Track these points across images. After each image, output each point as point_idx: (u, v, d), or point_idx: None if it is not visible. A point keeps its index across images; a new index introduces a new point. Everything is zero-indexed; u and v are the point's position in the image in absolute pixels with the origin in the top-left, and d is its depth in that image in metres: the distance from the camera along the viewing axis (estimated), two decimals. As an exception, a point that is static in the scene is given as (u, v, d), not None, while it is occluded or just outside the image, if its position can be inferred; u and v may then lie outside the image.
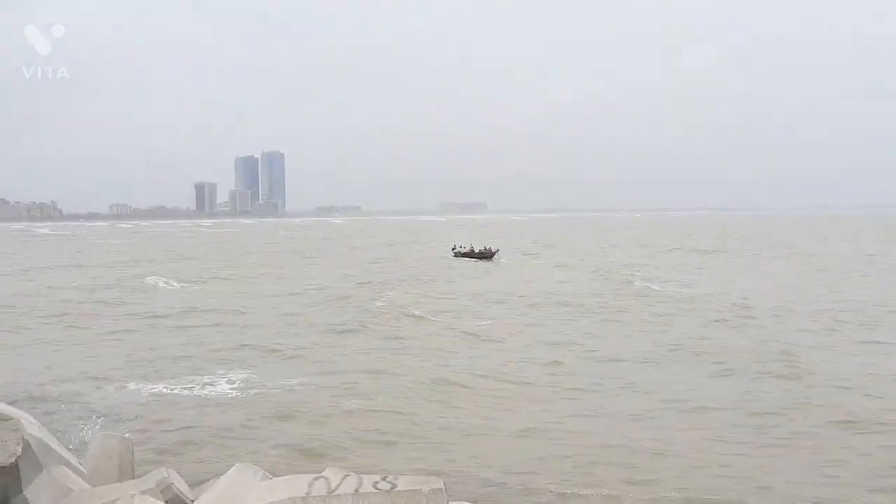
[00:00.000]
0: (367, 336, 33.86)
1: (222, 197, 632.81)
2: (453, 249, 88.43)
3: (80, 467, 9.55)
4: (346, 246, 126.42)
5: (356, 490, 7.24)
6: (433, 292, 51.50)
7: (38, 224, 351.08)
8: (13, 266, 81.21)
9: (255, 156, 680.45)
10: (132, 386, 24.57)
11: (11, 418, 7.74)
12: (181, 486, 9.59)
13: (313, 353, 30.01)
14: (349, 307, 42.54)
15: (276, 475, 9.25)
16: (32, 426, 8.60)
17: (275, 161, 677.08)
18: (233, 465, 9.26)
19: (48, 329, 37.19)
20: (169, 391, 23.92)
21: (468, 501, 9.65)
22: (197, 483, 11.31)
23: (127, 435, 12.29)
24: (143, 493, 8.40)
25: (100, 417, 20.78)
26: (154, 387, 24.44)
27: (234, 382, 24.89)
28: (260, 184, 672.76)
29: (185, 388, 24.22)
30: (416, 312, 41.25)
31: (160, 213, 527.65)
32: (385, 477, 7.47)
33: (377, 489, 7.25)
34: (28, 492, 7.96)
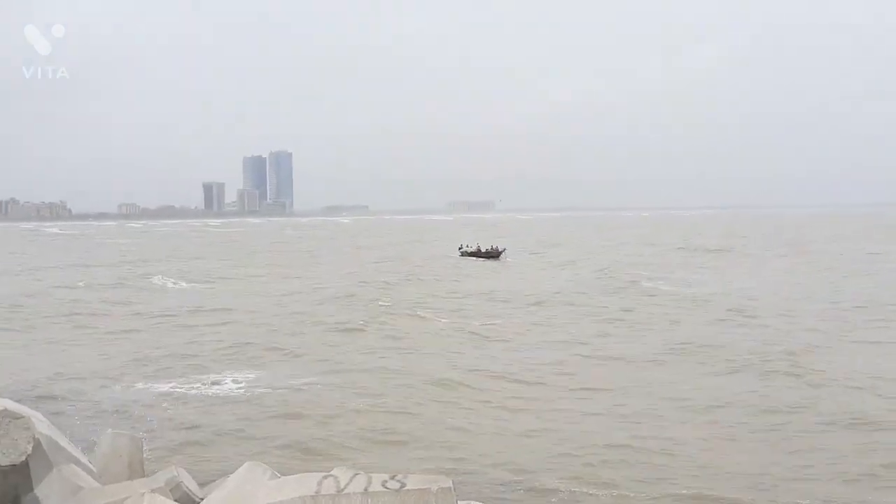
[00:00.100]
0: (374, 335, 33.88)
1: (230, 196, 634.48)
2: (460, 249, 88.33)
3: (90, 466, 9.59)
4: (352, 245, 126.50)
5: (365, 489, 7.26)
6: (439, 291, 51.51)
7: (48, 224, 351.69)
8: (22, 265, 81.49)
9: (263, 155, 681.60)
10: (140, 385, 24.62)
11: (22, 417, 7.77)
12: (191, 485, 9.63)
13: (320, 352, 30.04)
14: (355, 306, 42.56)
15: (285, 474, 9.28)
16: (42, 425, 8.64)
17: (282, 161, 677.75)
18: (242, 464, 9.29)
19: (57, 328, 37.32)
20: (176, 390, 23.96)
21: (477, 500, 9.67)
22: (206, 482, 11.36)
23: (136, 434, 12.33)
24: (152, 491, 8.43)
25: (108, 416, 20.87)
26: (162, 386, 24.49)
27: (241, 381, 24.93)
28: (268, 183, 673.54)
29: (193, 387, 24.26)
30: (423, 312, 41.29)
31: (169, 212, 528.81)
32: (394, 476, 7.49)
33: (386, 488, 7.27)
34: (39, 490, 8.00)
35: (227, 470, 12.18)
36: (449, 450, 18.20)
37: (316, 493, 7.29)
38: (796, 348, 29.52)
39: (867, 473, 16.55)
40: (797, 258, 78.46)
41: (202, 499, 9.10)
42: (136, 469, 10.42)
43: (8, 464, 7.52)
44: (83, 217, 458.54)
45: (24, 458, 7.63)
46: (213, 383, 24.75)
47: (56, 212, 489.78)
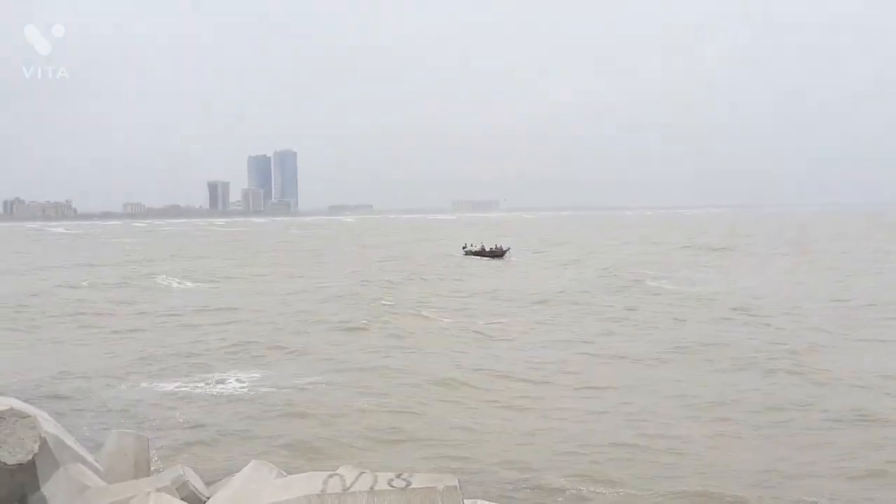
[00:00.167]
0: (378, 334, 33.90)
1: (235, 196, 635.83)
2: (464, 248, 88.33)
3: (96, 465, 9.60)
4: (357, 244, 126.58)
5: (371, 488, 7.27)
6: (443, 291, 51.53)
7: (53, 223, 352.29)
8: (27, 265, 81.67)
9: (268, 155, 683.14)
10: (145, 384, 24.65)
11: (29, 416, 7.79)
12: (197, 484, 9.64)
13: (324, 351, 30.05)
14: (360, 305, 42.57)
15: (290, 473, 9.29)
16: (49, 424, 8.66)
17: (287, 160, 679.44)
18: (248, 463, 9.31)
19: (62, 327, 37.40)
20: (181, 389, 23.99)
21: (483, 499, 9.67)
22: (212, 481, 11.37)
23: (141, 433, 12.35)
24: (158, 490, 8.45)
25: (114, 415, 20.91)
26: (167, 385, 24.52)
27: (246, 381, 24.95)
28: (273, 183, 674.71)
29: (198, 387, 24.28)
30: (427, 311, 41.32)
31: (174, 211, 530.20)
32: (400, 475, 7.50)
33: (392, 487, 7.27)
34: (45, 489, 8.02)
35: (233, 469, 12.21)
36: (454, 448, 18.20)
37: (322, 491, 7.30)
38: (801, 346, 29.51)
39: (874, 470, 16.53)
40: (801, 257, 78.41)
41: (208, 498, 9.11)
42: (142, 468, 10.44)
43: (15, 463, 7.54)
44: (88, 217, 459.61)
45: (30, 457, 7.66)
46: (218, 382, 24.77)
47: (61, 211, 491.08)
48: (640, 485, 15.62)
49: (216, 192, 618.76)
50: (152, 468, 10.87)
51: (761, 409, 21.27)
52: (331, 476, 7.59)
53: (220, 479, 11.10)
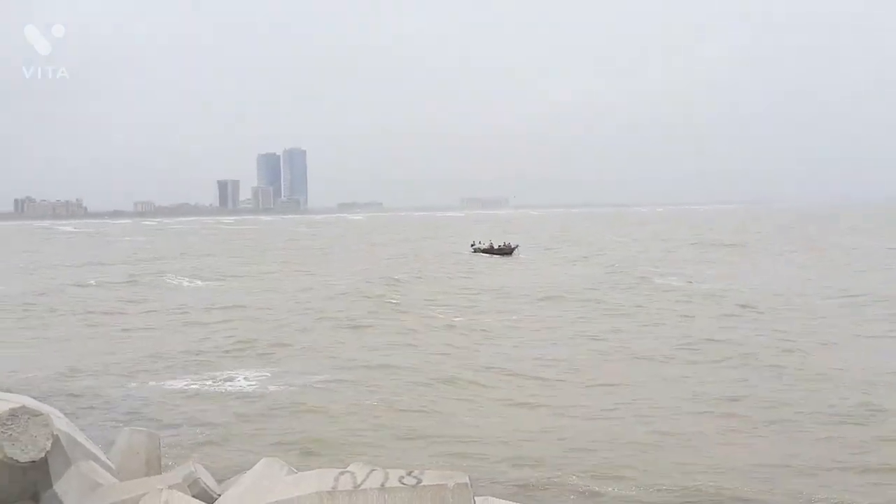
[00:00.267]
0: (387, 333, 33.91)
1: (245, 194, 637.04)
2: (472, 246, 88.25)
3: (108, 462, 9.64)
4: (366, 242, 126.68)
5: (382, 485, 7.27)
6: (452, 288, 51.54)
7: (62, 222, 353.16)
8: (36, 263, 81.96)
9: (277, 153, 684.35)
10: (154, 382, 24.73)
11: (41, 414, 7.82)
12: (208, 481, 9.67)
13: (333, 349, 30.09)
14: (368, 304, 42.59)
15: (301, 470, 9.31)
16: (61, 421, 8.70)
17: (296, 158, 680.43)
18: (259, 460, 9.33)
19: (71, 326, 37.53)
20: (191, 387, 24.06)
21: (493, 496, 9.68)
22: (223, 478, 11.41)
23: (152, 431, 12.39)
24: (170, 487, 8.46)
25: (124, 413, 20.99)
26: (176, 383, 24.60)
27: (255, 378, 25.00)
28: (282, 180, 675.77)
29: (208, 384, 24.35)
30: (435, 308, 41.37)
31: (184, 209, 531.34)
32: (410, 472, 7.50)
33: (403, 484, 7.28)
34: (58, 486, 8.05)
35: (244, 466, 12.24)
36: (465, 446, 18.20)
37: (333, 488, 7.31)
38: (811, 342, 29.51)
39: (886, 465, 16.54)
40: (810, 253, 78.14)
41: (219, 495, 9.14)
42: (154, 465, 10.48)
43: (27, 460, 7.58)
44: (99, 215, 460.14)
45: (43, 454, 7.68)
46: (227, 380, 24.83)
47: (72, 210, 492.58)
48: (652, 482, 15.59)
49: (226, 191, 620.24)
50: (163, 466, 10.89)
51: (771, 404, 21.23)
52: (342, 473, 7.60)
53: (231, 477, 11.13)
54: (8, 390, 14.59)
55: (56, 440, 7.89)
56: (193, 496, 8.78)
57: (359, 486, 7.36)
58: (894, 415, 20.01)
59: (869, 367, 25.46)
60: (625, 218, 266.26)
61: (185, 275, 63.00)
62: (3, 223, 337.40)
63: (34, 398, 9.66)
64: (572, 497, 15.03)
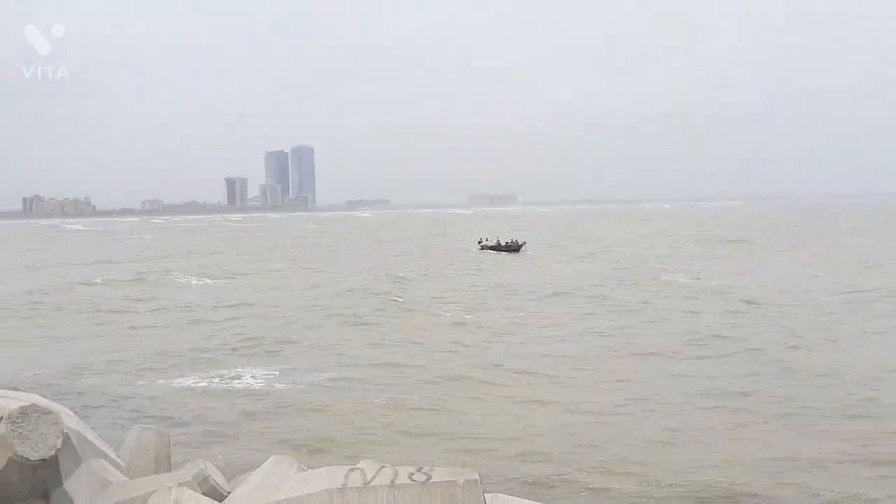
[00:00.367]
0: (395, 330, 33.95)
1: (253, 192, 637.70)
2: (479, 242, 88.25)
3: (118, 460, 9.65)
4: (373, 239, 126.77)
5: (392, 481, 7.27)
6: (459, 285, 51.54)
7: (70, 220, 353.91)
8: (44, 262, 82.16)
9: (285, 150, 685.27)
10: (163, 380, 24.78)
11: (51, 412, 7.82)
12: (218, 479, 9.66)
13: (340, 347, 30.12)
14: (376, 301, 42.63)
15: (311, 468, 9.31)
16: (71, 419, 8.70)
17: (304, 156, 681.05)
18: (268, 458, 9.34)
19: (79, 324, 37.64)
20: (199, 384, 24.12)
21: (503, 493, 9.68)
22: (232, 476, 11.41)
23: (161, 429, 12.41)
24: (180, 485, 8.46)
25: (132, 411, 21.03)
26: (185, 380, 24.67)
27: (263, 376, 25.04)
28: (290, 178, 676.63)
29: (215, 382, 24.41)
30: (443, 305, 41.37)
31: (192, 207, 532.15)
32: (420, 468, 7.49)
33: (412, 480, 7.27)
34: (68, 484, 8.05)
35: (253, 464, 12.25)
36: (475, 443, 18.22)
37: (343, 485, 7.30)
38: (819, 338, 29.54)
39: (895, 458, 16.55)
40: (815, 249, 77.93)
41: (229, 492, 9.14)
42: (163, 463, 10.48)
43: (38, 458, 7.58)
44: (107, 213, 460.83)
45: (53, 452, 7.68)
46: (236, 378, 24.87)
47: (80, 208, 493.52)
48: (661, 478, 15.57)
49: (234, 188, 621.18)
50: (173, 464, 10.90)
51: (780, 400, 21.23)
52: (351, 470, 7.60)
53: (240, 475, 11.14)
54: (17, 388, 14.64)
55: (66, 438, 7.88)
56: (203, 494, 8.77)
57: (368, 482, 7.35)
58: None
59: (877, 364, 25.42)
60: (631, 214, 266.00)
61: (192, 273, 63.17)
62: (11, 222, 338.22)
63: (43, 396, 9.68)
64: (583, 493, 15.02)
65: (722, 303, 39.85)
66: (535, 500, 9.61)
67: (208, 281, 58.06)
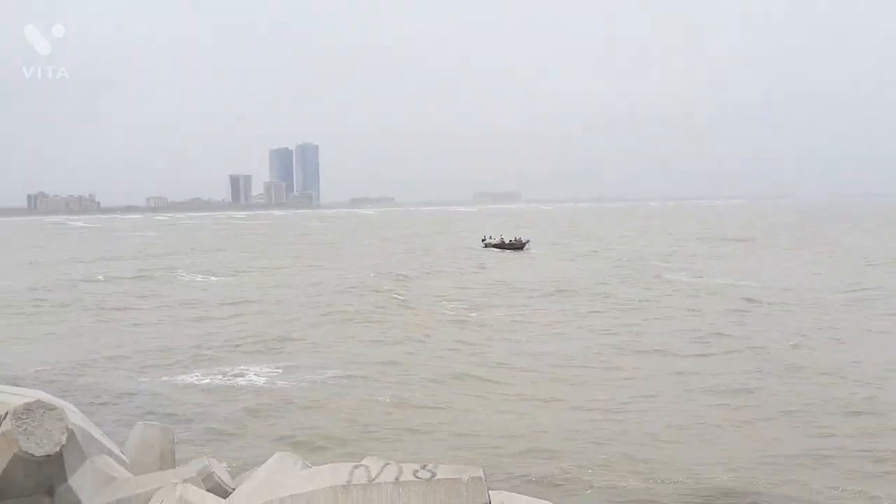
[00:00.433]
0: (398, 328, 33.95)
1: (257, 189, 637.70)
2: (483, 240, 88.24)
3: (122, 456, 9.65)
4: (377, 237, 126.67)
5: (396, 479, 7.25)
6: (463, 283, 51.56)
7: (75, 217, 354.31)
8: (47, 259, 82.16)
9: (290, 148, 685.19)
10: (167, 377, 24.82)
11: (56, 408, 7.83)
12: (222, 475, 9.65)
13: (343, 344, 30.15)
14: (379, 299, 42.64)
15: (315, 465, 9.31)
16: (76, 416, 8.71)
17: (308, 153, 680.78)
18: (272, 455, 9.33)
19: (82, 321, 37.65)
20: (202, 381, 24.17)
21: (507, 490, 9.67)
22: (236, 473, 11.42)
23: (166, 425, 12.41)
24: (185, 481, 8.47)
25: (136, 407, 21.05)
26: (189, 377, 24.72)
27: (267, 373, 25.07)
28: (294, 176, 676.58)
29: (218, 379, 24.45)
30: (448, 304, 41.36)
31: (196, 204, 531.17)
32: (425, 466, 7.47)
33: (417, 478, 7.26)
34: (72, 480, 8.06)
35: (257, 461, 12.26)
36: (479, 440, 18.23)
37: (347, 482, 7.30)
38: (822, 337, 29.60)
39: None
40: (818, 248, 77.87)
41: (234, 489, 9.14)
42: (168, 460, 10.47)
43: (43, 454, 7.58)
44: (111, 210, 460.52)
45: (58, 448, 7.68)
46: (239, 375, 24.90)
47: (84, 205, 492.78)
48: (666, 475, 15.59)
49: (238, 186, 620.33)
50: (177, 460, 10.89)
51: (784, 398, 21.30)
52: (356, 467, 7.59)
53: (244, 471, 11.15)
54: (21, 385, 14.66)
55: (71, 434, 7.89)
56: (208, 490, 8.77)
57: (373, 479, 7.35)
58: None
59: (880, 362, 25.45)
60: (633, 212, 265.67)
61: (196, 270, 63.22)
62: (15, 218, 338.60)
63: (47, 393, 9.69)
64: (588, 491, 15.01)
65: (725, 301, 39.84)
66: (540, 498, 9.60)
67: (212, 278, 58.08)
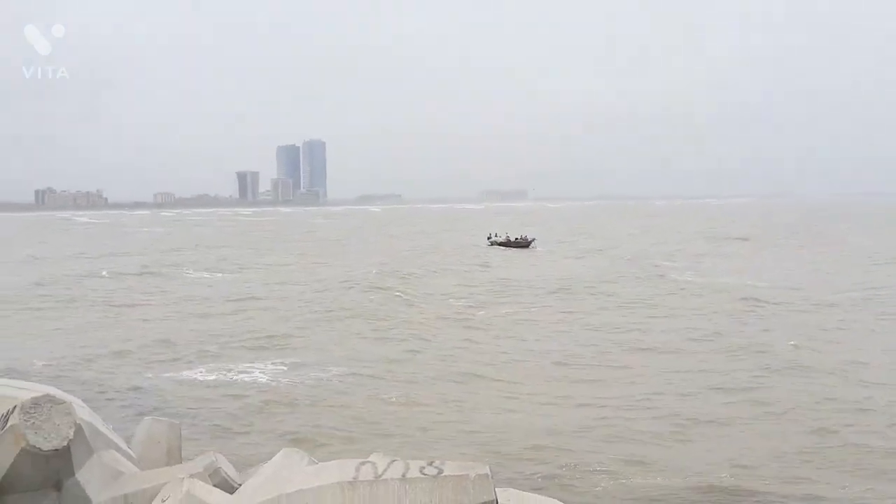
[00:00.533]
0: (404, 326, 33.94)
1: (265, 186, 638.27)
2: (488, 238, 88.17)
3: (129, 451, 9.68)
4: (384, 234, 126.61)
5: (403, 475, 7.25)
6: (470, 281, 51.52)
7: (82, 212, 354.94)
8: (53, 255, 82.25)
9: (297, 145, 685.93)
10: (172, 373, 24.86)
11: (64, 402, 7.85)
12: (229, 471, 9.68)
13: (349, 342, 30.18)
14: (384, 297, 42.64)
15: (321, 461, 9.32)
16: (83, 410, 8.73)
17: (316, 150, 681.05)
18: (279, 451, 9.35)
19: (88, 316, 37.71)
20: (208, 377, 24.22)
21: (514, 488, 9.67)
22: (242, 468, 11.44)
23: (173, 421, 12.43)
24: (191, 476, 8.48)
25: (143, 403, 21.09)
26: (193, 373, 24.77)
27: (273, 370, 25.11)
28: (301, 172, 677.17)
29: (224, 375, 24.49)
30: (454, 302, 41.35)
31: (203, 201, 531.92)
32: (431, 462, 7.47)
33: (424, 474, 7.26)
34: (80, 475, 8.08)
35: (263, 457, 12.28)
36: (485, 437, 18.23)
37: (354, 478, 7.30)
38: (828, 336, 29.56)
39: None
40: (822, 247, 77.74)
41: (240, 484, 9.16)
42: (174, 455, 10.50)
43: (50, 449, 7.60)
44: (119, 206, 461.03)
45: (65, 443, 7.71)
46: (244, 371, 24.94)
47: (92, 201, 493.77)
48: (674, 473, 15.59)
49: (245, 182, 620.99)
50: (184, 455, 10.92)
51: (791, 396, 21.25)
52: (363, 463, 7.58)
53: (251, 467, 11.17)
54: (29, 379, 14.70)
55: (79, 429, 7.91)
56: (215, 486, 8.79)
57: (380, 476, 7.35)
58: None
59: (886, 361, 25.48)
60: (639, 211, 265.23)
61: (201, 267, 63.28)
62: (23, 214, 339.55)
63: (54, 387, 9.71)
64: (595, 489, 15.01)
65: (730, 300, 39.76)
66: (547, 496, 9.61)
67: (218, 275, 58.14)
